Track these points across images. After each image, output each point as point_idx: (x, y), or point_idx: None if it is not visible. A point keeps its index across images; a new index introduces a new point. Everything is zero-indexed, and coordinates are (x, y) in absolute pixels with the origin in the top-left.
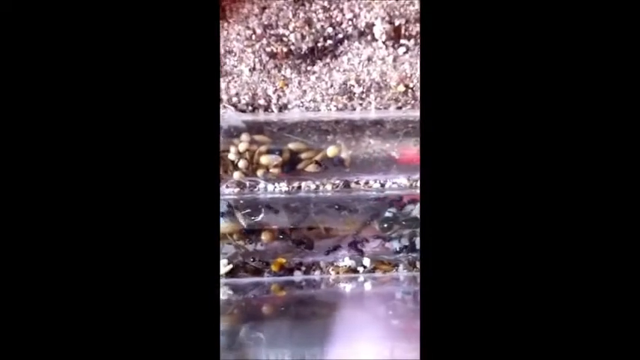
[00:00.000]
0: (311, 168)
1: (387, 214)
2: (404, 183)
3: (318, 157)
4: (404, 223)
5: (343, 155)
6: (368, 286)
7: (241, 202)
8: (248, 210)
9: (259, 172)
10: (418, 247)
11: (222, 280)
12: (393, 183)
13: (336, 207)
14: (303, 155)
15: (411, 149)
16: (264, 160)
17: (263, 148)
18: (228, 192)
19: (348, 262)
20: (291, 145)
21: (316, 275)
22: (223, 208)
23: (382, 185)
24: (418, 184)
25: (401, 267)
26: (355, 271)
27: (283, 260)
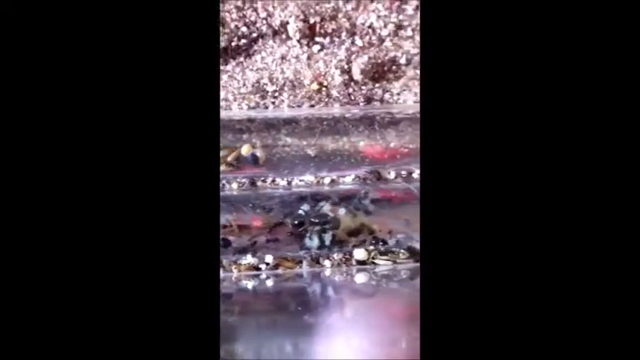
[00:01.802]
0: (224, 167)
1: (300, 212)
2: (310, 180)
3: (230, 158)
4: (313, 220)
5: (258, 153)
6: (270, 282)
7: None
8: None
9: None
10: (327, 243)
11: None
12: (300, 180)
13: (250, 205)
14: None
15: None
16: None
17: None
18: None
19: (250, 259)
20: None
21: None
22: None
23: (289, 183)
24: (324, 180)
25: (304, 263)
26: (257, 268)
27: None
